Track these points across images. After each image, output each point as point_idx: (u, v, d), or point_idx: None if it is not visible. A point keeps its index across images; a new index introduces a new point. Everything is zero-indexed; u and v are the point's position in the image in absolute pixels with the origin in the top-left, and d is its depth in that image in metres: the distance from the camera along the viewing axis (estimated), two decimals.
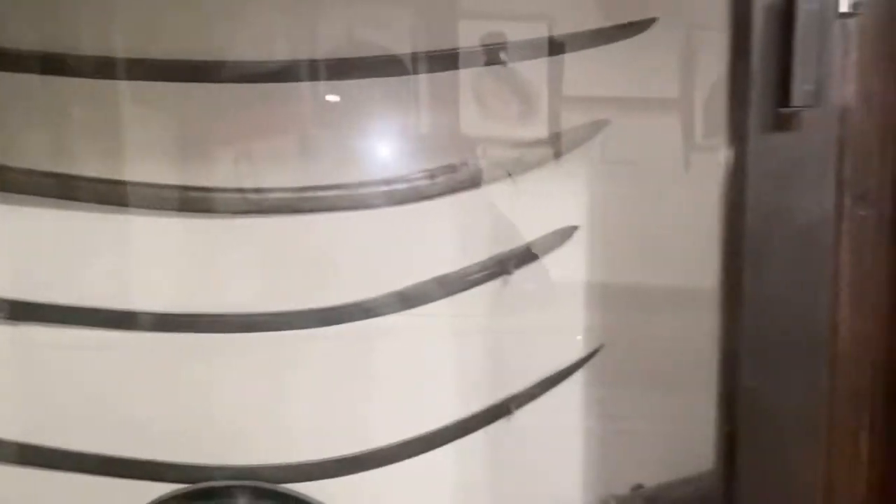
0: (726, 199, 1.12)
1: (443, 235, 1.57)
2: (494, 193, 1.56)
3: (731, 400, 1.12)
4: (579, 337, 1.59)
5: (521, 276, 1.57)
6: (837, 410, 1.12)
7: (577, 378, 1.60)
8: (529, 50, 1.51)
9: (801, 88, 1.05)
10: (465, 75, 1.51)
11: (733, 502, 1.13)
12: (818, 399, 1.11)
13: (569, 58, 1.53)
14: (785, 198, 1.09)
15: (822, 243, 1.09)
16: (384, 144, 1.54)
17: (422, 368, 1.59)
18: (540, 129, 1.55)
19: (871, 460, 1.11)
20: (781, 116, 1.07)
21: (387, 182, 1.53)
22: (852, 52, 1.08)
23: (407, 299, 1.56)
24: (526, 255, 1.57)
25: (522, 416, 1.60)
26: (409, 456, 1.59)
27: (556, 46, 1.51)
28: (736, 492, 1.13)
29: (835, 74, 1.08)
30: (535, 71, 1.53)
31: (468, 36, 1.49)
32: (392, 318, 1.56)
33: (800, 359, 1.11)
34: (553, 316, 1.59)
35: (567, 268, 1.58)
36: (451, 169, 1.54)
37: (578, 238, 1.58)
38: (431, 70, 1.50)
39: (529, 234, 1.57)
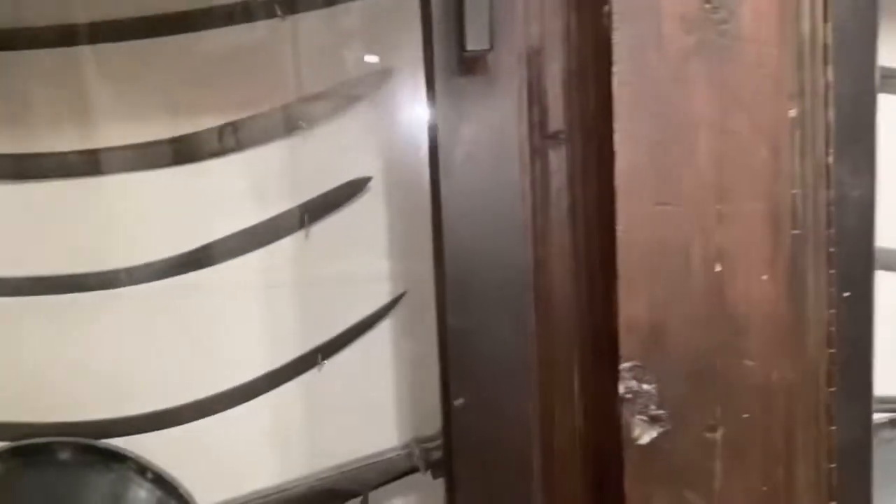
0: (429, 144, 1.12)
1: (240, 192, 1.58)
2: (288, 147, 1.56)
3: (444, 342, 1.14)
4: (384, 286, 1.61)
5: (322, 228, 1.59)
6: (548, 348, 1.13)
7: (385, 326, 1.63)
8: (305, 2, 1.51)
9: (475, 30, 1.04)
10: (244, 31, 1.51)
11: (452, 441, 1.15)
12: (527, 338, 1.12)
13: (352, 7, 1.52)
14: (476, 141, 1.09)
15: (515, 186, 1.09)
16: (172, 103, 1.54)
17: (230, 324, 1.62)
18: (328, 81, 1.55)
19: (582, 392, 1.12)
20: (466, 59, 1.07)
21: (176, 141, 1.54)
22: None
23: (209, 256, 1.58)
24: (324, 207, 1.58)
25: (333, 365, 1.62)
26: (225, 408, 1.62)
27: None
28: (454, 432, 1.15)
29: (517, 15, 1.07)
30: (316, 22, 1.52)
31: None
32: (197, 275, 1.58)
33: (505, 299, 1.12)
34: (356, 266, 1.61)
35: (367, 218, 1.59)
36: (241, 125, 1.55)
37: (377, 188, 1.59)
38: (208, 27, 1.50)
39: (326, 185, 1.57)
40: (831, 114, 1.08)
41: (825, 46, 1.07)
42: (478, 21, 1.04)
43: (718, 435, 1.01)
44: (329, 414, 1.63)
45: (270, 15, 1.50)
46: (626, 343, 0.99)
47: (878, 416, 1.63)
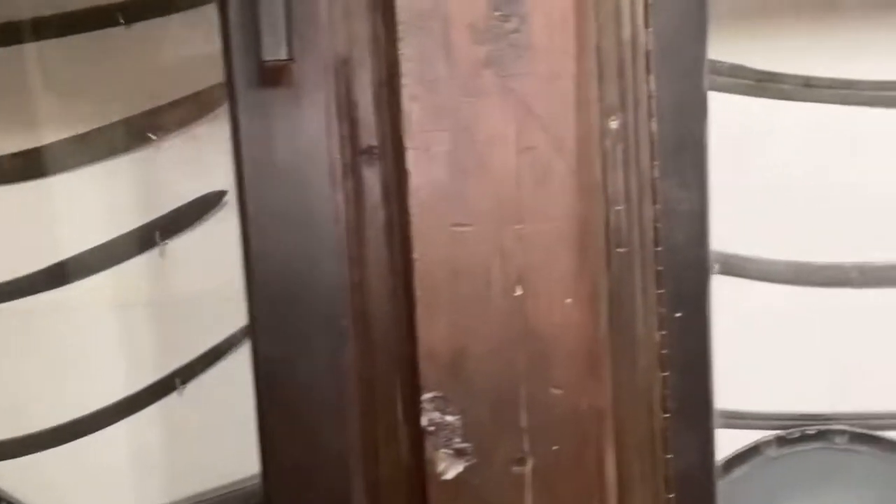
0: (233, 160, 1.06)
1: (90, 207, 1.51)
2: (139, 160, 1.49)
3: (257, 370, 1.07)
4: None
5: (178, 245, 1.52)
6: (369, 376, 1.06)
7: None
8: (152, 9, 1.44)
9: (271, 40, 0.98)
10: (87, 40, 1.44)
11: (269, 476, 1.08)
12: (344, 366, 1.05)
13: (203, 12, 1.45)
14: (284, 158, 1.02)
15: (327, 205, 1.02)
16: (15, 116, 1.47)
17: (85, 346, 1.54)
18: (179, 90, 1.48)
19: (405, 423, 1.05)
20: (266, 71, 1.01)
21: (20, 156, 1.47)
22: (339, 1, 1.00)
23: (61, 275, 1.51)
24: (178, 223, 1.51)
25: (194, 388, 1.55)
26: (83, 434, 1.55)
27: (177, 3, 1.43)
28: (270, 467, 1.08)
29: (320, 22, 1.00)
30: (165, 29, 1.46)
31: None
32: (48, 296, 1.51)
33: (321, 325, 1.05)
34: (215, 284, 1.54)
35: (224, 234, 1.52)
36: (89, 137, 1.48)
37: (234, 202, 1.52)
38: (49, 36, 1.43)
39: (179, 200, 1.50)
40: (655, 125, 1.02)
41: (647, 54, 1.01)
42: (274, 30, 0.97)
43: (528, 468, 0.95)
44: (190, 439, 1.56)
45: (113, 23, 1.43)
46: (426, 373, 0.93)
47: (764, 434, 1.59)
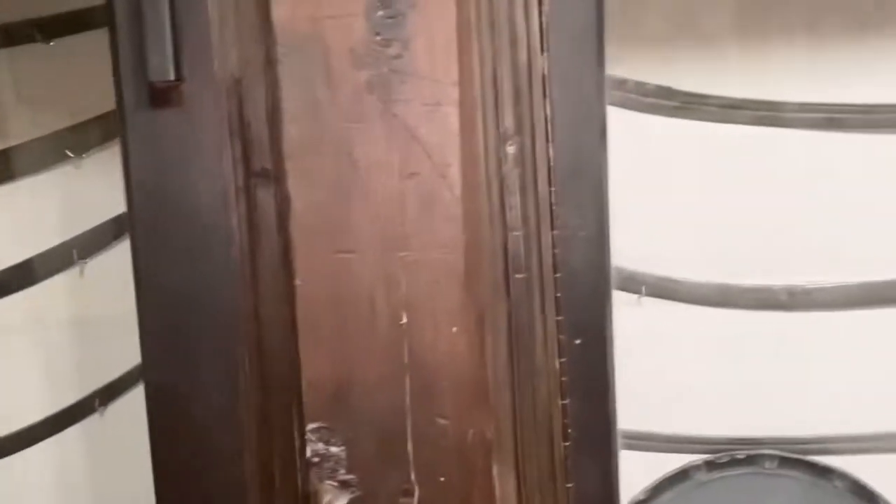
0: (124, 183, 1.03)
1: (7, 226, 1.48)
2: (57, 177, 1.47)
3: (150, 400, 1.05)
4: None
5: (97, 264, 1.49)
6: (265, 405, 1.04)
7: None
8: (71, 26, 1.42)
9: (157, 60, 0.96)
10: (9, 55, 1.42)
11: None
12: (239, 395, 1.03)
13: None
14: (175, 181, 1.00)
15: (220, 228, 1.00)
16: None
17: (5, 367, 1.52)
18: (99, 107, 1.46)
19: (302, 454, 1.03)
20: (156, 91, 0.99)
21: None
22: (230, 20, 0.98)
23: None
24: (96, 242, 1.49)
25: (116, 409, 1.53)
26: (3, 455, 1.52)
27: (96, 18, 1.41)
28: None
29: (211, 43, 0.99)
30: (85, 45, 1.43)
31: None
32: None
33: (215, 352, 1.03)
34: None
35: None
36: (8, 154, 1.45)
37: None
38: None
39: (98, 219, 1.48)
40: (552, 150, 1.00)
41: (543, 78, 0.99)
42: (160, 50, 0.95)
43: (414, 500, 0.93)
44: (111, 461, 1.53)
45: (31, 39, 1.41)
46: (309, 403, 0.91)
47: (693, 458, 1.57)
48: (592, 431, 1.06)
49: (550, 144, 1.01)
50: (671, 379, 1.56)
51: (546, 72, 1.00)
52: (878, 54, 1.48)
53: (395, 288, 0.90)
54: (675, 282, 1.54)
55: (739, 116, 1.48)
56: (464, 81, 0.89)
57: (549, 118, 1.00)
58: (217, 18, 0.98)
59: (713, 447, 1.56)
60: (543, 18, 0.99)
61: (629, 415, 1.57)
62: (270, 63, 0.91)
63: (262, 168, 1.01)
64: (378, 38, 0.88)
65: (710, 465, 1.55)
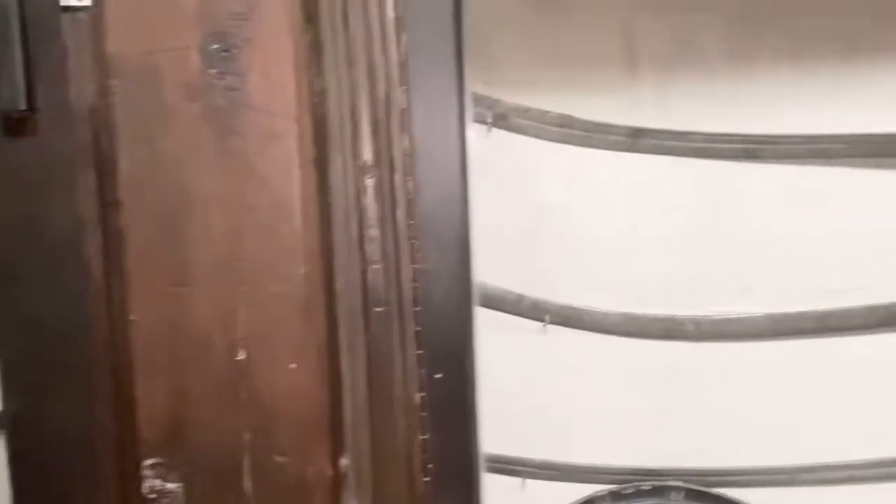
0: None
1: None
2: None
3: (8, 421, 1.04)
4: None
5: None
6: (123, 437, 1.03)
7: None
8: None
9: (7, 90, 0.95)
10: None
11: None
12: (97, 427, 1.02)
13: None
14: (30, 209, 1.00)
15: (72, 256, 1.00)
16: None
17: None
18: None
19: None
20: (11, 121, 0.98)
21: None
22: (87, 51, 0.97)
23: None
24: None
25: None
26: None
27: None
28: None
29: (66, 74, 0.98)
30: None
31: None
32: None
33: (70, 386, 1.02)
34: None
35: None
36: None
37: None
38: None
39: None
40: (412, 184, 1.00)
41: (402, 112, 0.99)
42: (11, 81, 0.95)
43: None
44: None
45: None
46: (146, 438, 0.90)
47: (599, 489, 1.56)
48: (453, 466, 1.06)
49: (410, 178, 1.00)
50: (576, 407, 1.55)
51: (404, 105, 0.99)
52: (794, 86, 1.48)
53: (233, 323, 0.90)
54: (581, 310, 1.53)
55: (647, 146, 1.48)
56: (301, 115, 0.89)
57: (407, 152, 1.00)
58: (73, 49, 0.98)
59: (619, 478, 1.55)
60: (401, 52, 0.99)
61: (533, 444, 1.57)
62: (105, 95, 0.90)
63: (115, 199, 1.01)
64: (213, 71, 0.87)
65: (615, 496, 1.54)
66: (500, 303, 1.54)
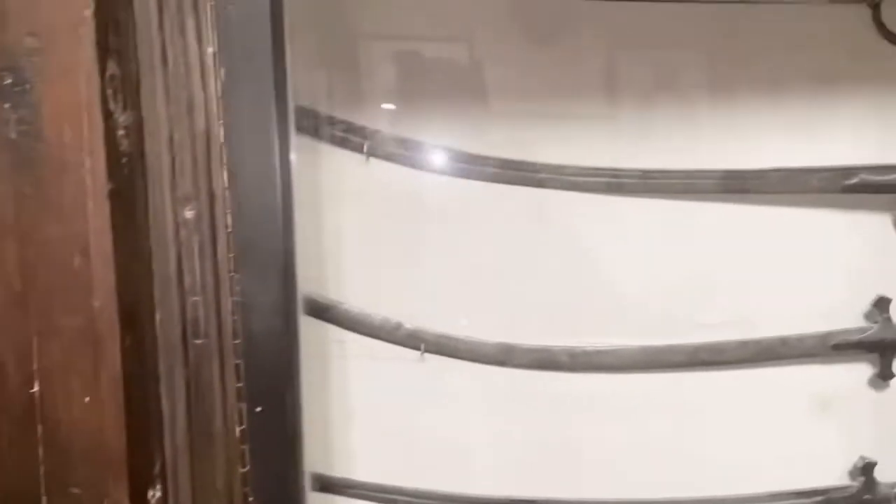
0: None
1: None
2: None
3: None
4: None
5: None
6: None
7: None
8: None
9: None
10: None
11: None
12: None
13: None
14: None
15: None
16: None
17: None
18: None
19: None
20: None
21: None
22: None
23: None
24: None
25: None
26: None
27: None
28: None
29: None
30: None
31: None
32: None
33: None
34: None
35: None
36: None
37: None
38: None
39: None
40: (231, 217, 1.01)
41: (221, 147, 1.00)
42: None
43: None
44: None
45: None
46: None
47: None
48: (275, 497, 1.06)
49: (229, 211, 1.01)
50: (451, 435, 1.56)
51: (223, 139, 1.00)
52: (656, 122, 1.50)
53: (27, 356, 0.90)
54: (457, 340, 1.54)
55: (516, 178, 1.49)
56: (96, 148, 0.90)
57: (226, 186, 1.01)
58: None
59: None
60: (220, 87, 1.00)
61: (406, 472, 1.58)
62: None
63: None
64: (6, 105, 0.88)
65: None
66: (379, 331, 1.55)
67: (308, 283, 1.52)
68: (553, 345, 1.54)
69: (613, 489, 1.54)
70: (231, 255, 1.01)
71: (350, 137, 1.48)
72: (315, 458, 1.56)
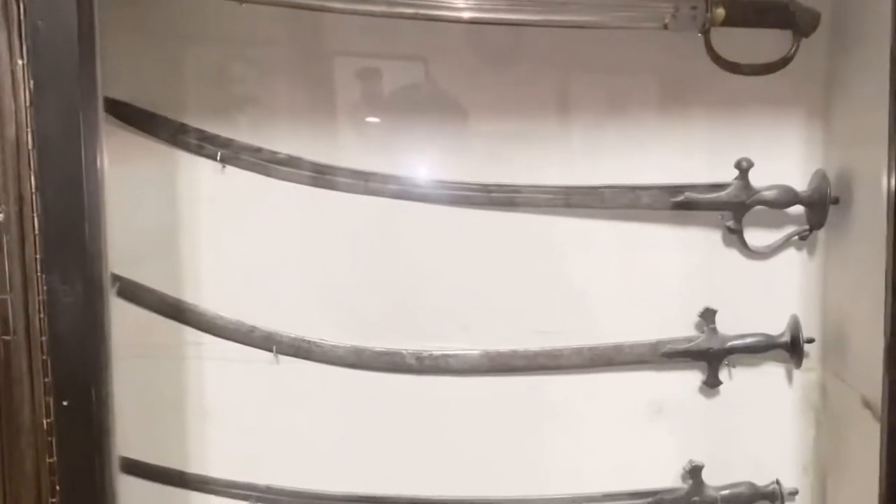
0: None
1: None
2: None
3: None
4: None
5: None
6: None
7: None
8: None
9: None
10: None
11: None
12: None
13: None
14: None
15: None
16: None
17: None
18: None
19: None
20: None
21: None
22: None
23: None
24: None
25: None
26: None
27: None
28: None
29: None
30: None
31: None
32: None
33: None
34: None
35: None
36: None
37: None
38: None
39: None
40: (38, 219, 1.07)
41: (30, 152, 1.06)
42: None
43: None
44: None
45: None
46: None
47: None
48: (83, 486, 1.11)
49: (37, 214, 1.07)
50: (302, 435, 1.61)
51: (31, 146, 1.06)
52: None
53: None
54: (311, 342, 1.60)
55: (367, 188, 1.56)
56: None
57: (34, 189, 1.07)
58: None
59: None
60: (29, 97, 1.06)
61: (258, 469, 1.63)
62: None
63: None
64: None
65: None
66: (233, 333, 1.61)
67: (163, 285, 1.59)
68: (402, 348, 1.61)
69: (456, 487, 1.61)
70: (38, 256, 1.07)
71: (205, 146, 1.55)
72: (171, 455, 1.63)
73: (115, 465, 1.15)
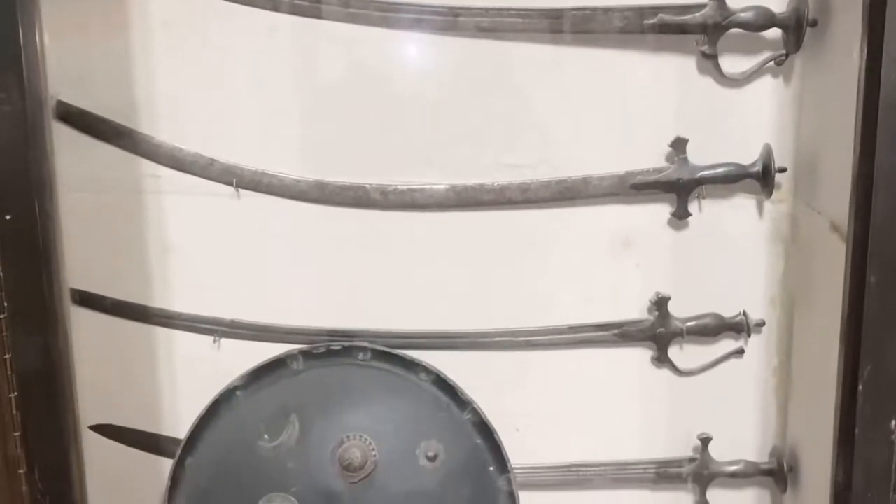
0: None
1: None
2: None
3: None
4: None
5: None
6: None
7: None
8: None
9: None
10: None
11: None
12: None
13: None
14: None
15: None
16: None
17: None
18: None
19: None
20: None
21: None
22: None
23: None
24: None
25: None
26: None
27: None
28: None
29: None
30: None
31: None
32: None
33: None
34: None
35: None
36: None
37: None
38: None
39: None
40: None
41: None
42: None
43: None
44: None
45: None
46: None
47: (290, 348, 1.60)
48: (29, 308, 1.09)
49: None
50: (267, 270, 1.59)
51: None
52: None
53: None
54: (272, 176, 1.56)
55: (320, 12, 1.49)
56: None
57: None
58: None
59: (310, 338, 1.61)
60: None
61: (227, 305, 1.62)
62: None
63: None
64: None
65: (306, 355, 1.60)
66: (192, 166, 1.56)
67: (114, 113, 1.53)
68: (365, 182, 1.57)
69: (423, 321, 1.60)
70: None
71: None
72: (133, 290, 1.61)
73: (64, 285, 1.13)
